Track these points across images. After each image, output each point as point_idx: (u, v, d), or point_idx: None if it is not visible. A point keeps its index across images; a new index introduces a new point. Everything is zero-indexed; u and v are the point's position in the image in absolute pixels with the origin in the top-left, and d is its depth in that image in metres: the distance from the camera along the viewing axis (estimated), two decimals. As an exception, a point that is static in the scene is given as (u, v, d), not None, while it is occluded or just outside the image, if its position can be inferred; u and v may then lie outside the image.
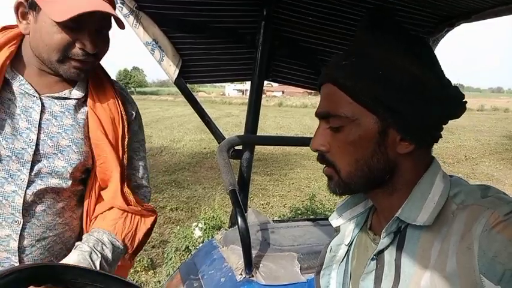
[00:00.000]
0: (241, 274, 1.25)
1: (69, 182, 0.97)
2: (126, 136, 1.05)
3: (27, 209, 0.92)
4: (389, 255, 0.62)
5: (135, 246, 1.05)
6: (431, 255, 0.56)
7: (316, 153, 0.65)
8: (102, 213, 1.03)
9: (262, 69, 1.64)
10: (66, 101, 0.98)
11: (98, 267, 0.93)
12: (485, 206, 0.54)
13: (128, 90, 1.14)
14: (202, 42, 1.62)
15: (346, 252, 0.74)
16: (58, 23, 0.85)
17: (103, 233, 0.99)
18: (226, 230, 1.66)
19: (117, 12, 1.35)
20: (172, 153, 8.87)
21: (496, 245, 0.50)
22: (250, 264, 1.23)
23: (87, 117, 1.01)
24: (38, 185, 0.92)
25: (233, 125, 14.30)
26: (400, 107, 0.56)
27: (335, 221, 0.74)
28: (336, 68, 0.60)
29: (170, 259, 3.36)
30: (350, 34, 1.69)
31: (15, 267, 0.62)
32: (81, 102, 1.01)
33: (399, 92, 0.56)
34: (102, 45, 0.94)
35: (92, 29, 0.90)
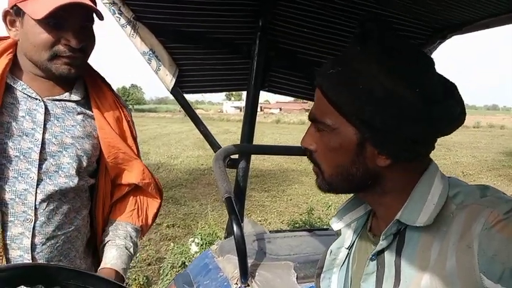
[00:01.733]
0: (236, 283, 1.22)
1: (75, 180, 1.02)
2: (133, 129, 1.15)
3: (38, 208, 0.96)
4: (389, 256, 0.61)
5: (147, 229, 1.22)
6: (431, 256, 0.56)
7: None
8: (119, 201, 1.17)
9: (258, 80, 1.65)
10: (67, 103, 1.04)
11: (133, 254, 1.11)
12: (484, 205, 0.53)
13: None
14: (199, 53, 1.64)
15: (347, 255, 0.73)
16: (41, 23, 0.91)
17: (126, 224, 1.14)
18: (221, 240, 1.63)
19: (115, 22, 1.38)
20: (170, 169, 8.84)
21: (495, 244, 0.49)
22: (246, 274, 1.21)
23: (90, 118, 1.07)
24: (47, 184, 0.97)
25: (231, 142, 14.16)
26: (376, 123, 0.56)
27: (335, 224, 0.74)
28: (323, 76, 0.60)
29: (166, 275, 3.29)
30: (346, 46, 1.71)
31: (8, 265, 0.62)
32: (80, 105, 1.06)
33: (376, 107, 0.55)
34: (87, 40, 0.98)
35: (74, 25, 0.94)
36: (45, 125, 0.98)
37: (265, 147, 2.20)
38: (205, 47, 1.64)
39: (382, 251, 0.62)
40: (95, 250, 1.16)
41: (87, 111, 1.07)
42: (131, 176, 1.14)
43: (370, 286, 0.63)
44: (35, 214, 0.95)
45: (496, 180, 8.40)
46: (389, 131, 0.56)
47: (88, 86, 1.09)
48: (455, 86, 0.60)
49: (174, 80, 1.58)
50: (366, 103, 0.56)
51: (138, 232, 1.17)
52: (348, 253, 0.73)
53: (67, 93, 1.03)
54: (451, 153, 12.50)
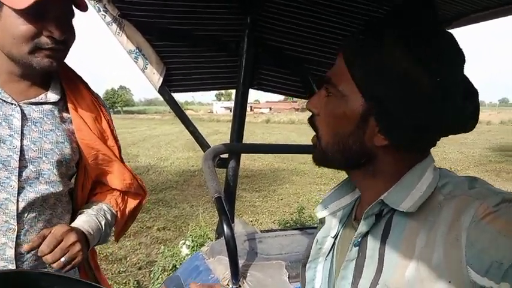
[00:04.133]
0: (228, 284, 1.20)
1: (56, 186, 0.99)
2: (113, 128, 1.12)
3: (20, 216, 0.93)
4: (372, 244, 0.60)
5: (123, 221, 1.16)
6: (416, 245, 0.55)
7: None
8: (101, 193, 1.14)
9: (247, 77, 1.63)
10: (44, 106, 1.00)
11: (103, 228, 1.05)
12: (473, 197, 0.53)
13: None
14: (187, 51, 1.61)
15: (332, 244, 0.72)
16: (21, 14, 0.87)
17: (101, 203, 1.10)
18: (212, 241, 1.61)
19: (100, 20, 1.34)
20: (160, 171, 8.75)
21: (484, 236, 0.49)
22: (237, 274, 1.19)
23: (67, 121, 1.03)
24: (28, 191, 0.94)
25: (221, 142, 14.24)
26: (385, 100, 0.56)
27: (320, 212, 0.73)
28: (349, 42, 0.60)
29: (157, 279, 3.25)
30: (335, 43, 1.71)
31: None
32: (59, 107, 1.03)
33: (392, 88, 0.55)
34: (69, 32, 0.95)
35: (56, 16, 0.91)
36: (22, 130, 0.94)
37: (255, 146, 2.18)
38: (193, 45, 1.61)
39: (366, 238, 0.61)
40: None
41: (65, 114, 1.03)
42: (113, 179, 1.12)
43: (348, 273, 0.63)
44: (18, 223, 0.92)
45: (484, 175, 8.55)
46: (396, 113, 0.56)
47: (64, 85, 1.05)
48: (478, 94, 0.59)
49: (161, 79, 1.55)
50: (381, 79, 0.55)
51: (113, 215, 1.11)
52: (334, 242, 0.72)
53: (43, 95, 1.00)
54: (438, 149, 12.66)
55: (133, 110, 79.33)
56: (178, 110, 1.60)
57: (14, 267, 0.92)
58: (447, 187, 0.57)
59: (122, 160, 1.14)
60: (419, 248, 0.55)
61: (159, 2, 1.47)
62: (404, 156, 0.60)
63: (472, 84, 0.59)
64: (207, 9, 1.52)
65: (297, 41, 1.69)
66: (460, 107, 0.56)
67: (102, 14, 1.45)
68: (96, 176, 1.11)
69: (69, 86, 1.05)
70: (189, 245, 3.57)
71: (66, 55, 0.99)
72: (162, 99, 1.59)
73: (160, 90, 1.57)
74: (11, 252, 0.92)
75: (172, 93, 1.61)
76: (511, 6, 1.30)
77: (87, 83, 1.12)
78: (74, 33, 0.98)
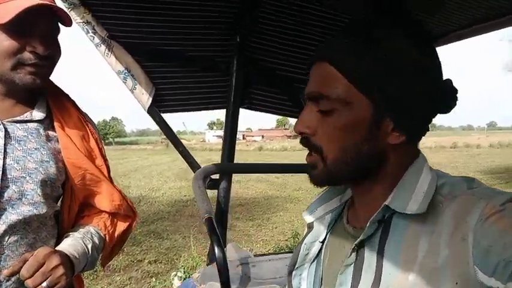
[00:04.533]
0: (220, 311, 1.12)
1: (39, 208, 0.94)
2: (101, 147, 1.09)
3: (1, 240, 0.89)
4: (370, 247, 0.58)
5: (111, 245, 1.10)
6: (419, 248, 0.53)
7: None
8: (88, 215, 1.09)
9: (237, 97, 1.62)
10: (28, 124, 0.96)
11: (89, 251, 0.99)
12: (477, 197, 0.52)
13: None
14: (176, 71, 1.61)
15: (319, 250, 0.70)
16: (4, 30, 0.86)
17: (88, 226, 1.05)
18: (204, 267, 1.53)
19: (88, 41, 1.34)
20: (151, 202, 8.59)
21: (491, 235, 0.48)
22: (229, 300, 1.11)
23: (53, 139, 1.00)
24: (10, 213, 0.89)
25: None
26: (398, 95, 0.54)
27: (308, 216, 0.70)
28: (334, 47, 0.57)
29: (147, 313, 3.09)
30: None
31: None
32: (44, 125, 1.00)
33: (400, 79, 0.54)
34: (53, 48, 0.93)
35: (40, 31, 0.89)
36: (5, 149, 0.90)
37: (247, 166, 2.14)
38: (182, 65, 1.61)
39: (362, 242, 0.59)
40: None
41: (51, 132, 1.00)
42: (101, 200, 1.07)
43: (347, 278, 0.60)
44: None
45: (477, 199, 8.55)
46: (409, 105, 0.54)
47: (51, 103, 1.02)
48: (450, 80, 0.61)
49: (150, 99, 1.53)
50: (389, 72, 0.53)
51: (102, 239, 1.06)
52: (321, 247, 0.70)
53: (28, 113, 0.97)
54: (431, 174, 12.69)
55: (125, 141, 79.16)
56: (168, 131, 1.57)
57: None
58: (445, 187, 0.56)
59: (111, 180, 1.10)
60: (422, 249, 0.53)
61: (148, 23, 1.47)
62: (407, 152, 0.59)
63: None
64: (197, 30, 1.54)
65: (286, 61, 1.71)
66: (447, 85, 0.58)
67: (91, 36, 1.45)
68: (84, 198, 1.06)
69: (56, 104, 1.03)
70: (181, 277, 3.44)
71: (51, 72, 0.97)
72: (154, 129, 1.56)
73: (150, 111, 1.55)
74: None
75: (162, 114, 1.59)
76: (497, 20, 1.33)
77: (74, 101, 1.09)
78: (59, 49, 0.97)
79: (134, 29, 1.48)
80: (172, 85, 1.61)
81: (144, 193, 9.75)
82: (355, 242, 0.59)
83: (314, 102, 0.59)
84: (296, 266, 0.71)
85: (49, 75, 0.97)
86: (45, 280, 0.84)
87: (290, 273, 0.72)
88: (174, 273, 3.55)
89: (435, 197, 0.55)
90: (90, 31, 1.44)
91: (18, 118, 0.95)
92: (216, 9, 1.48)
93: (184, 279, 3.36)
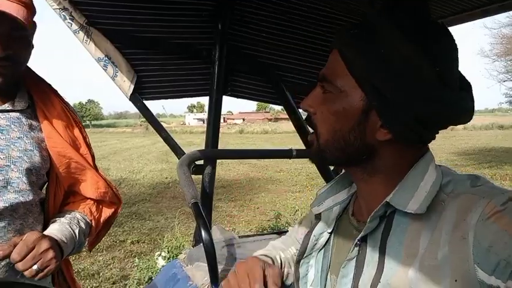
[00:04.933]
0: (207, 291, 1.18)
1: (25, 195, 0.96)
2: (86, 135, 1.11)
3: None
4: (372, 242, 0.60)
5: (96, 231, 1.14)
6: (420, 244, 0.55)
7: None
8: (74, 202, 1.12)
9: (220, 85, 1.64)
10: (10, 113, 0.97)
11: (77, 236, 1.02)
12: (479, 195, 0.52)
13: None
14: (158, 58, 1.60)
15: (327, 239, 0.72)
16: None
17: (74, 212, 1.08)
18: (189, 248, 1.59)
19: (66, 28, 1.32)
20: (132, 184, 8.54)
21: (491, 235, 0.48)
22: (216, 279, 1.17)
23: (36, 129, 1.01)
24: None
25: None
26: (387, 92, 0.54)
27: (316, 208, 0.72)
28: (344, 36, 0.59)
29: (132, 293, 3.15)
30: (307, 50, 1.75)
31: None
32: (27, 115, 1.01)
33: (392, 77, 0.54)
34: (15, 48, 0.92)
35: None
36: None
37: (230, 152, 2.18)
38: (164, 52, 1.60)
39: (365, 236, 0.61)
40: None
41: (34, 122, 1.01)
42: (86, 187, 1.10)
43: (349, 271, 0.62)
44: None
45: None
46: (398, 103, 0.54)
47: (33, 94, 1.03)
48: (471, 86, 0.59)
49: (132, 87, 1.53)
50: (381, 69, 0.54)
51: (88, 224, 1.09)
52: (329, 237, 0.72)
53: (8, 103, 0.98)
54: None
55: (102, 123, 77.21)
56: (150, 117, 1.58)
57: None
58: (449, 185, 0.57)
59: (95, 168, 1.12)
60: (423, 246, 0.54)
61: (128, 10, 1.45)
62: (406, 152, 0.60)
63: (465, 77, 0.59)
64: (177, 17, 1.53)
65: (268, 48, 1.73)
66: (458, 97, 0.56)
67: (68, 22, 1.42)
68: (69, 186, 1.09)
69: (38, 94, 1.04)
70: (165, 256, 3.49)
71: (16, 69, 0.96)
72: (132, 112, 1.56)
73: (132, 98, 1.55)
74: None
75: (144, 101, 1.59)
76: (495, 5, 1.37)
77: (56, 91, 1.10)
78: (25, 48, 0.96)
79: (113, 16, 1.46)
80: (154, 72, 1.61)
81: (124, 175, 9.66)
82: (358, 237, 0.61)
83: (321, 83, 0.62)
84: (304, 255, 0.73)
85: (14, 73, 0.96)
86: (36, 263, 0.87)
87: (298, 261, 0.74)
88: (158, 253, 3.60)
89: (439, 195, 0.56)
90: (67, 17, 1.41)
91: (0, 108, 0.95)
92: (197, -4, 1.47)
93: (168, 258, 3.42)
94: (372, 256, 0.59)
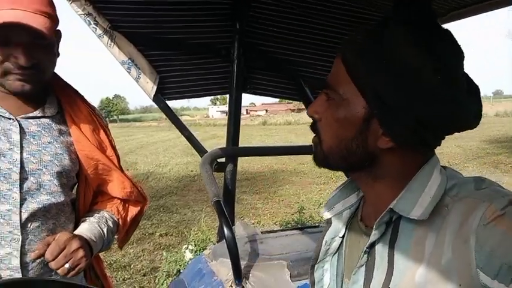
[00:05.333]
0: (231, 286, 1.22)
1: (57, 197, 1.01)
2: (111, 138, 1.15)
3: (24, 226, 0.96)
4: (381, 247, 0.61)
5: (124, 229, 1.18)
6: (425, 249, 0.55)
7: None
8: (102, 201, 1.17)
9: (239, 82, 1.66)
10: (41, 119, 1.02)
11: (105, 234, 1.08)
12: (481, 199, 0.52)
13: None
14: (179, 59, 1.64)
15: (340, 244, 0.73)
16: None
17: (103, 211, 1.13)
18: (214, 244, 1.63)
19: (91, 33, 1.37)
20: (159, 178, 8.75)
21: (492, 239, 0.49)
22: (239, 275, 1.21)
23: (65, 133, 1.06)
24: (30, 202, 0.97)
25: (219, 146, 14.25)
26: (389, 100, 0.54)
27: (327, 213, 0.73)
28: (348, 43, 0.59)
29: (162, 284, 3.26)
30: (324, 45, 1.74)
31: None
32: (56, 120, 1.06)
33: (393, 85, 0.54)
34: (40, 56, 0.95)
35: (19, 43, 0.90)
36: (21, 144, 0.97)
37: (251, 149, 2.21)
38: (184, 53, 1.64)
39: (373, 242, 0.61)
40: None
41: (63, 126, 1.06)
42: (113, 187, 1.15)
43: (360, 277, 0.63)
44: (22, 233, 0.95)
45: (481, 168, 8.57)
46: (399, 108, 0.54)
47: (61, 100, 1.08)
48: (479, 90, 0.59)
49: (155, 88, 1.58)
50: (384, 77, 0.54)
51: (115, 223, 1.14)
52: (341, 241, 0.72)
53: (40, 109, 1.02)
54: (435, 144, 12.63)
55: (129, 118, 79.20)
56: (173, 117, 1.63)
57: (20, 276, 0.94)
58: (454, 189, 0.57)
59: (121, 169, 1.17)
60: (428, 251, 0.55)
61: (149, 12, 1.49)
62: (409, 158, 0.59)
63: (473, 82, 0.58)
64: (197, 17, 1.55)
65: (287, 45, 1.72)
66: (463, 102, 0.55)
67: (93, 27, 1.47)
68: (97, 186, 1.14)
69: (66, 100, 1.08)
70: (192, 250, 3.58)
71: (42, 77, 0.99)
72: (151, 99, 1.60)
73: (155, 99, 1.59)
74: (16, 262, 0.94)
75: (166, 101, 1.64)
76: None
77: (83, 96, 1.15)
78: (50, 56, 0.99)
79: (135, 19, 1.50)
80: (175, 72, 1.65)
81: (151, 169, 9.92)
82: (366, 245, 0.62)
83: (325, 90, 0.63)
84: (318, 260, 0.74)
85: (40, 81, 0.99)
86: (67, 262, 0.92)
87: (312, 267, 0.75)
88: (186, 246, 3.70)
89: (443, 200, 0.56)
90: (92, 22, 1.46)
91: (31, 114, 1.00)
92: (215, -4, 1.49)
93: (195, 252, 3.52)
94: (381, 261, 0.60)
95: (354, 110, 0.58)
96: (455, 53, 0.56)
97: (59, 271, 0.92)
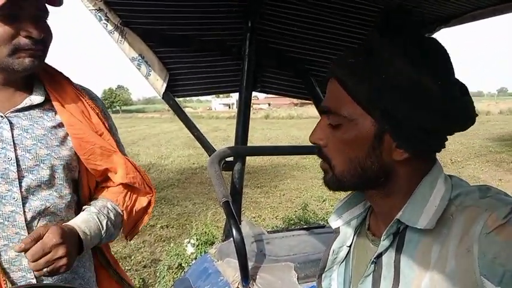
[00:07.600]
0: (238, 287, 1.22)
1: (59, 190, 0.98)
2: (105, 121, 1.08)
3: (30, 226, 0.93)
4: (387, 257, 0.61)
5: (132, 220, 1.12)
6: (431, 258, 0.56)
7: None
8: (107, 187, 1.10)
9: (250, 81, 1.65)
10: (31, 112, 0.97)
11: (104, 227, 1.01)
12: (482, 208, 0.53)
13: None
14: (189, 56, 1.62)
15: (347, 253, 0.73)
16: None
17: (106, 200, 1.06)
18: (220, 243, 1.63)
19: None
20: (161, 170, 8.77)
21: (495, 247, 0.50)
22: (247, 277, 1.21)
23: (57, 121, 1.00)
24: (32, 200, 0.93)
25: (221, 139, 14.27)
26: (397, 114, 0.55)
27: (334, 222, 0.73)
28: (342, 65, 0.59)
29: (163, 278, 3.28)
30: (335, 43, 1.72)
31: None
32: (46, 110, 1.00)
33: (399, 99, 0.55)
34: (46, 31, 0.93)
35: (31, 15, 0.88)
36: (14, 141, 0.92)
37: (260, 148, 2.20)
38: (195, 50, 1.62)
39: (381, 252, 0.62)
40: (94, 253, 1.14)
41: (53, 115, 1.01)
42: (115, 171, 1.08)
43: (367, 286, 0.63)
44: (28, 233, 0.92)
45: (484, 166, 8.55)
46: (410, 123, 0.55)
47: (46, 85, 1.02)
48: (468, 89, 0.61)
49: (165, 85, 1.57)
50: (389, 92, 0.54)
51: (118, 214, 1.08)
52: (349, 250, 0.73)
53: (27, 99, 0.97)
54: (438, 141, 12.60)
55: (131, 109, 79.11)
56: (182, 115, 1.62)
57: (32, 276, 0.93)
58: (459, 198, 0.57)
59: (123, 153, 1.10)
60: (433, 260, 0.55)
61: (160, 8, 1.47)
62: (418, 167, 0.60)
63: (460, 81, 0.60)
64: (208, 14, 1.53)
65: (298, 43, 1.71)
66: (462, 102, 0.57)
67: (104, 23, 1.46)
68: (99, 172, 1.08)
69: (51, 85, 1.02)
70: (194, 244, 3.59)
71: (46, 55, 0.96)
72: (160, 97, 1.58)
73: (164, 96, 1.58)
74: (26, 262, 0.91)
75: (176, 99, 1.63)
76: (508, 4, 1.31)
77: (69, 78, 1.08)
78: (51, 31, 0.96)
79: (147, 15, 1.48)
80: (185, 70, 1.64)
81: (153, 161, 9.92)
82: (373, 256, 0.62)
83: (325, 115, 0.62)
84: (326, 269, 0.75)
85: (45, 58, 0.96)
86: (47, 267, 0.87)
87: (320, 276, 0.76)
88: (187, 240, 3.72)
89: (448, 209, 0.57)
90: (103, 18, 1.45)
91: (19, 106, 0.95)
92: (227, -7, 1.47)
93: (197, 246, 3.53)
94: (387, 271, 0.61)
95: (363, 129, 0.58)
96: (445, 59, 0.58)
97: (35, 272, 0.89)
